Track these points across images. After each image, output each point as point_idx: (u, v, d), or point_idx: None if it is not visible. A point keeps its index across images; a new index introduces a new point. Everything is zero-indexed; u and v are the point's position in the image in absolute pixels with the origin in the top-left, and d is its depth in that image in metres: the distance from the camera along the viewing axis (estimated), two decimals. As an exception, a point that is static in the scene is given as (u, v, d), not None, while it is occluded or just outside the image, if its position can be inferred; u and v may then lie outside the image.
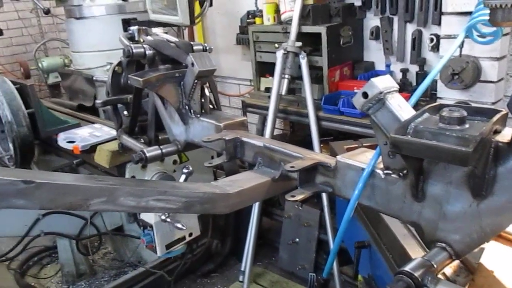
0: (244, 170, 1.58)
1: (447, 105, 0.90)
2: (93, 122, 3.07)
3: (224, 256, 3.46)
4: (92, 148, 2.53)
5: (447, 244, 0.94)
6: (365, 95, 0.97)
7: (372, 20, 3.16)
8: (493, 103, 2.43)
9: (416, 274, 0.84)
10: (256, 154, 1.37)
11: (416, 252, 1.25)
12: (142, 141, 1.94)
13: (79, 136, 2.69)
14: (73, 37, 3.76)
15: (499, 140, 0.84)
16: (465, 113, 0.85)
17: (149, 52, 1.71)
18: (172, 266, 3.04)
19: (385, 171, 1.02)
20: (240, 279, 3.19)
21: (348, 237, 1.79)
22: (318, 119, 2.95)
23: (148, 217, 1.98)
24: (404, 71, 2.96)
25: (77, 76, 3.87)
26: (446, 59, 1.09)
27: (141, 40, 1.89)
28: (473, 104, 1.76)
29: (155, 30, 2.03)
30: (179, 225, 1.88)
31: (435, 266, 0.88)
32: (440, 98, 2.57)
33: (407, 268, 0.85)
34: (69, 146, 2.59)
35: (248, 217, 3.16)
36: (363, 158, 1.10)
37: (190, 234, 2.08)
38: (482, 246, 1.00)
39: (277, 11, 3.27)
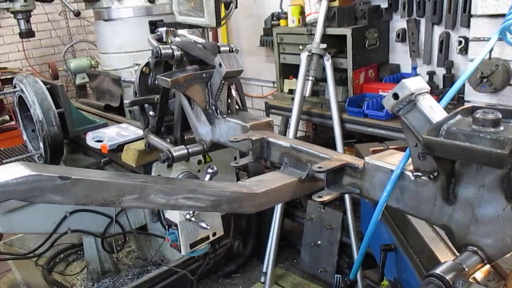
0: (269, 170, 1.58)
1: (480, 107, 0.89)
2: (120, 122, 3.12)
3: (246, 257, 3.47)
4: (120, 147, 2.57)
5: (478, 248, 0.92)
6: (395, 96, 0.96)
7: (398, 22, 3.13)
8: (523, 107, 2.38)
9: (447, 277, 0.83)
10: (282, 154, 1.38)
11: (445, 255, 1.23)
12: (168, 140, 1.97)
13: (107, 135, 2.73)
14: (101, 39, 3.84)
15: (535, 143, 0.82)
16: (499, 115, 0.84)
17: (177, 53, 1.73)
18: (195, 265, 3.06)
19: (415, 173, 1.01)
20: (262, 280, 3.20)
21: (373, 240, 1.77)
22: (342, 122, 2.94)
23: (173, 216, 2.00)
24: (431, 74, 2.93)
25: (105, 77, 3.94)
26: (478, 62, 1.08)
27: (169, 41, 1.92)
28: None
29: (181, 31, 2.06)
30: (203, 225, 1.89)
31: (466, 269, 0.87)
32: (468, 101, 2.52)
33: (438, 270, 0.84)
34: (97, 145, 2.63)
35: (270, 219, 3.16)
36: (392, 160, 1.10)
37: (214, 234, 2.09)
38: (515, 251, 0.98)
39: (302, 13, 3.27)
